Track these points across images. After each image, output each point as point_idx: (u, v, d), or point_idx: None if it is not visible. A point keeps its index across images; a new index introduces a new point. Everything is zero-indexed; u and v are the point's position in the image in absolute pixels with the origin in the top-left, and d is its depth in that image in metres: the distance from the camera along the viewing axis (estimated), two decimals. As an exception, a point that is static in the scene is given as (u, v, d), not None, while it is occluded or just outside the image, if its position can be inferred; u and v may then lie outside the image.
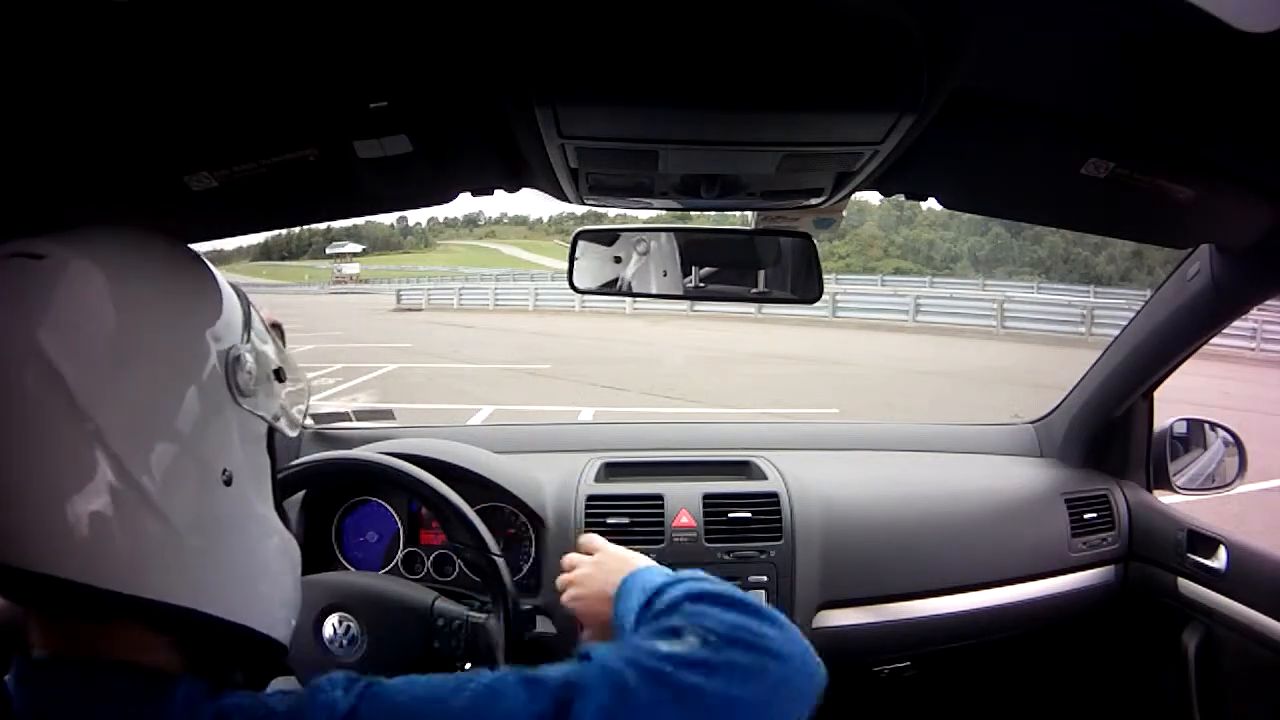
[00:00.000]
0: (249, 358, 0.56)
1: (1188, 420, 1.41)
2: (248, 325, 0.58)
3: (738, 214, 1.08)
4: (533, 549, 1.26)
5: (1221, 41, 0.46)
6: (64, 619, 0.49)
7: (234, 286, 0.60)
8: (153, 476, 0.48)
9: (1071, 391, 1.47)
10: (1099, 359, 1.39)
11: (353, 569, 1.29)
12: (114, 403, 0.47)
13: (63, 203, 0.71)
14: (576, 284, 1.11)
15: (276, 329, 0.65)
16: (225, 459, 0.53)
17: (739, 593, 0.60)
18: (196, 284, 0.55)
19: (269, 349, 0.60)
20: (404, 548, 1.30)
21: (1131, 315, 1.30)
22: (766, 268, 1.10)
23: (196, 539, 0.50)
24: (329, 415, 1.57)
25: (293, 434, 0.63)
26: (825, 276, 1.09)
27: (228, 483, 0.53)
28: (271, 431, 0.59)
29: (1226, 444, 1.38)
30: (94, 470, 0.46)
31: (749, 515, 1.24)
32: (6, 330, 0.46)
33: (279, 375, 0.60)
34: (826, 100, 0.62)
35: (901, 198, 0.91)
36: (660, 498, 1.25)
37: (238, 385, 0.55)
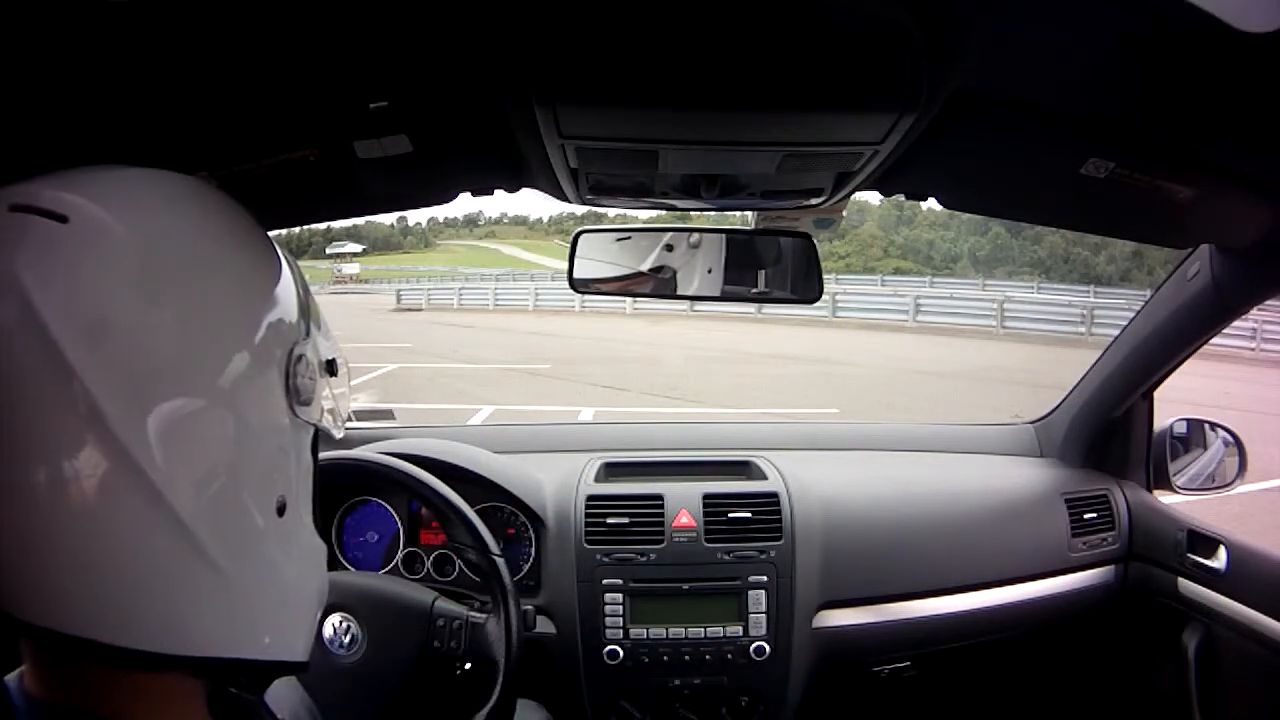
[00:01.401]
0: (311, 357, 0.48)
1: (1188, 420, 1.40)
2: (306, 310, 0.49)
3: (737, 214, 1.08)
4: (533, 549, 1.26)
5: (1221, 41, 0.46)
6: (78, 664, 0.43)
7: (287, 259, 0.50)
8: (200, 514, 0.41)
9: (1071, 391, 1.47)
10: (1099, 359, 1.39)
11: (353, 569, 1.29)
12: (152, 427, 0.40)
13: None
14: (577, 283, 1.11)
15: None
16: (280, 485, 0.47)
17: None
18: (256, 253, 0.46)
19: (320, 335, 0.51)
20: (404, 548, 1.29)
21: (1131, 315, 1.30)
22: (767, 268, 1.11)
23: (245, 582, 0.44)
24: (329, 415, 1.57)
25: (338, 435, 0.54)
26: (825, 276, 1.09)
27: (280, 511, 0.46)
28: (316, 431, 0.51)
29: (1226, 444, 1.38)
30: (130, 508, 0.40)
31: (749, 515, 1.24)
32: (21, 320, 0.38)
33: (331, 368, 0.52)
34: (826, 100, 0.62)
35: (901, 198, 0.91)
36: (660, 498, 1.25)
37: (297, 392, 0.47)
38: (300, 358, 0.47)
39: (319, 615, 0.54)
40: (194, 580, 0.42)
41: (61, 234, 0.40)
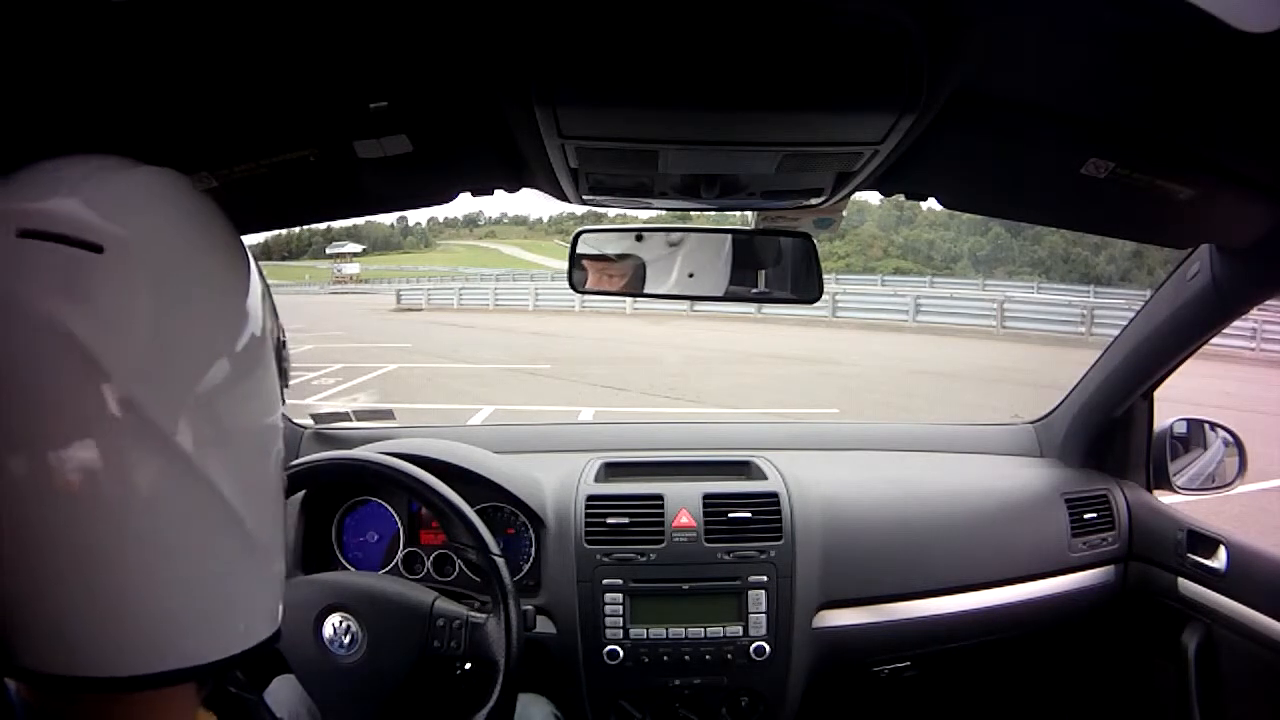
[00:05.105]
0: (285, 339, 0.50)
1: (1188, 420, 1.40)
2: (267, 292, 0.50)
3: (737, 214, 1.08)
4: (533, 549, 1.26)
5: (1221, 41, 0.46)
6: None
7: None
8: (247, 504, 0.43)
9: (1071, 391, 1.47)
10: (1099, 359, 1.39)
11: (353, 569, 1.29)
12: (209, 438, 0.41)
13: None
14: (576, 283, 1.11)
15: None
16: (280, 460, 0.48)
17: None
18: (237, 251, 0.47)
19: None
20: (404, 548, 1.29)
21: (1131, 315, 1.30)
22: (767, 268, 1.10)
23: (272, 567, 0.46)
24: (329, 415, 1.57)
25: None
26: (825, 276, 1.09)
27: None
28: None
29: (1226, 444, 1.38)
30: (189, 511, 0.41)
31: (749, 515, 1.24)
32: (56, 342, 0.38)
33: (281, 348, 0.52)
34: (826, 100, 0.62)
35: (901, 198, 0.91)
36: (660, 498, 1.25)
37: (283, 375, 0.49)
38: (284, 343, 0.49)
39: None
40: (244, 568, 0.44)
41: (95, 263, 0.39)
